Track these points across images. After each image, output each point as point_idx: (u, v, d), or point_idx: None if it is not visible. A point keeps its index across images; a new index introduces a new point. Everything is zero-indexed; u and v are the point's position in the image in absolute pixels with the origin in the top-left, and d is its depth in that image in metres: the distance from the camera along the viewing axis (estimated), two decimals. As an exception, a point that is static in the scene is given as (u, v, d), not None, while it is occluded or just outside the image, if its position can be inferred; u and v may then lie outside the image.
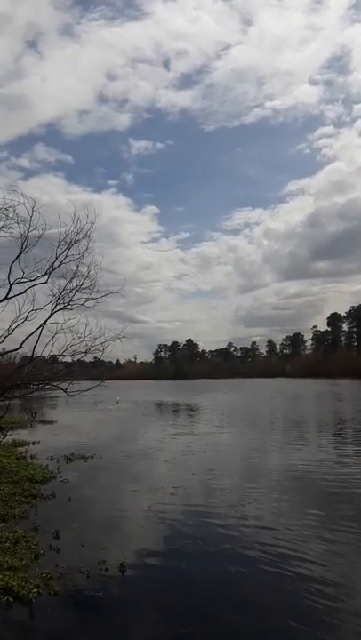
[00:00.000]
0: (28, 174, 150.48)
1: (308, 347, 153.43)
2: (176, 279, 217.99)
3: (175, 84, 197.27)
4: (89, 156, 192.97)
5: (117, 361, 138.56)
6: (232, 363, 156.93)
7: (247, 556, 6.88)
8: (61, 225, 11.66)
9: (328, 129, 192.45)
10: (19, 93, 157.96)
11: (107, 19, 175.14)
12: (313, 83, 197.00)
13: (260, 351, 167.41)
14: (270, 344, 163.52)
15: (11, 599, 5.44)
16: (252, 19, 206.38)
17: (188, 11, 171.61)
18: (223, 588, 6.06)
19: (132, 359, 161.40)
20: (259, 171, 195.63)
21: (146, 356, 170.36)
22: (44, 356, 12.08)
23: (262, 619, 5.27)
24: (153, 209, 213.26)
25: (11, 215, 10.65)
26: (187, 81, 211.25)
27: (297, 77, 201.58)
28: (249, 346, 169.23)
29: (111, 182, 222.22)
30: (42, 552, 6.88)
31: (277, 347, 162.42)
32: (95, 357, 13.62)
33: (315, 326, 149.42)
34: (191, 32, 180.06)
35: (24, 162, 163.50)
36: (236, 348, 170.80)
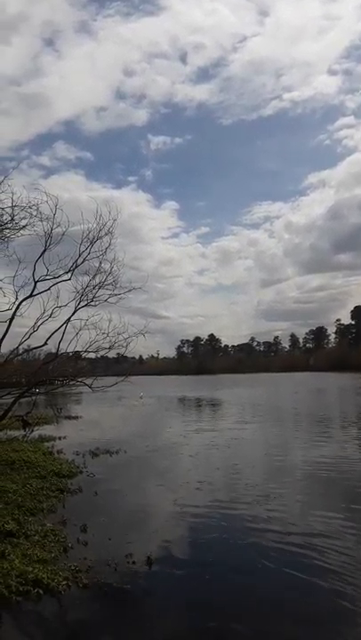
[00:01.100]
0: (48, 172, 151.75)
1: (332, 340, 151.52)
2: (197, 274, 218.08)
3: (192, 79, 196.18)
4: (108, 152, 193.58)
5: (140, 357, 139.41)
6: (255, 357, 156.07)
7: (273, 552, 6.84)
8: (83, 222, 11.82)
9: (348, 119, 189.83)
10: (38, 92, 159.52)
11: (122, 14, 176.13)
12: (332, 73, 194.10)
13: (283, 345, 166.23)
14: (293, 338, 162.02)
15: (40, 591, 5.55)
16: (268, 9, 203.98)
17: (204, 3, 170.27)
18: (249, 582, 6.05)
19: (155, 355, 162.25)
20: (278, 163, 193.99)
21: (168, 351, 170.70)
22: (69, 353, 12.25)
23: (288, 614, 5.26)
24: (173, 204, 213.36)
25: (34, 213, 10.78)
26: (204, 75, 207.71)
27: (315, 68, 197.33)
28: (272, 340, 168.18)
29: (131, 178, 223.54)
30: (70, 545, 7.00)
31: (300, 341, 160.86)
32: (118, 353, 13.77)
33: (338, 319, 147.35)
34: (208, 25, 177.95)
35: (44, 160, 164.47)
36: (258, 342, 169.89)
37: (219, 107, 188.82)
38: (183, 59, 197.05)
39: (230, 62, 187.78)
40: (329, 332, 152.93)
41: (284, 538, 7.33)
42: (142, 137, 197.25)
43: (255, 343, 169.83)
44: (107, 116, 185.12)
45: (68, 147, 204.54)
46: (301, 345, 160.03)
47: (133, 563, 6.45)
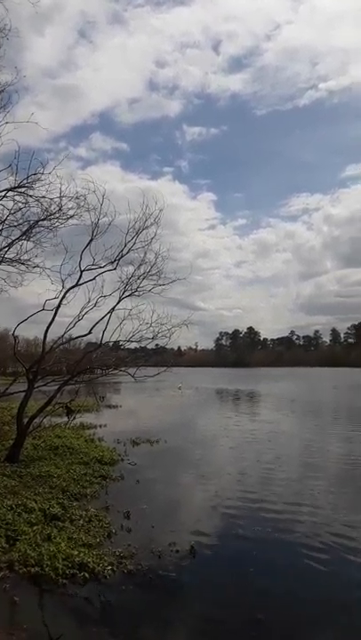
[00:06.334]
0: (85, 163, 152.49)
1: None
2: (234, 266, 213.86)
3: (225, 69, 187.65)
4: (143, 143, 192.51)
5: (179, 348, 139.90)
6: (294, 351, 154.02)
7: (316, 545, 6.75)
8: (130, 212, 11.82)
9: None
10: (72, 84, 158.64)
11: (153, 4, 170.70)
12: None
13: (324, 340, 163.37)
14: (334, 332, 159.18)
15: (87, 575, 5.63)
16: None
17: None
18: (293, 575, 5.97)
19: (193, 346, 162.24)
20: (316, 155, 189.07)
21: (206, 343, 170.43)
22: (112, 342, 12.34)
23: (331, 608, 5.16)
24: (209, 195, 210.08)
25: (82, 204, 10.84)
26: (237, 64, 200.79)
27: (352, 55, 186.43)
28: (312, 334, 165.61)
29: (166, 169, 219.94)
30: (114, 531, 7.08)
31: (342, 335, 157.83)
32: (157, 344, 13.73)
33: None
34: (241, 12, 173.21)
35: (81, 151, 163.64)
36: (298, 336, 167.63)
37: (253, 97, 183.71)
38: (216, 48, 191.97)
39: (264, 51, 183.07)
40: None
41: (328, 533, 7.21)
42: (177, 128, 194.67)
43: (295, 337, 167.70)
44: (140, 108, 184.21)
45: (105, 138, 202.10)
46: (343, 340, 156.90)
47: (177, 551, 6.46)
